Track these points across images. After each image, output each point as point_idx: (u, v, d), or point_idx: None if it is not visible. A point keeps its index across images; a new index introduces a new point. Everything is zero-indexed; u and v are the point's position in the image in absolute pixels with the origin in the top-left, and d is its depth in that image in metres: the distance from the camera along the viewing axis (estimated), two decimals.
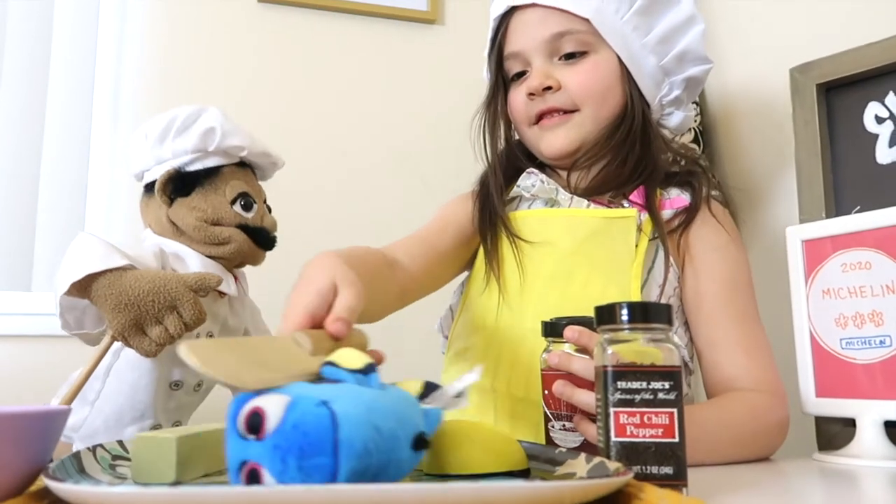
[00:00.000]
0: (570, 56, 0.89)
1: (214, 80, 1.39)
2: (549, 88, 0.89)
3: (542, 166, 0.95)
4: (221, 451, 0.57)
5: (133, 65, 1.36)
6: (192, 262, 0.82)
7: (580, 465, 0.51)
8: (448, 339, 0.92)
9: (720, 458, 0.72)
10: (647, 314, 0.52)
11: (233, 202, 0.84)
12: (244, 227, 0.84)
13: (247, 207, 0.85)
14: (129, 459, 0.57)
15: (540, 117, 0.91)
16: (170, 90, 1.36)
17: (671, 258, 0.84)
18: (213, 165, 0.84)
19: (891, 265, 0.77)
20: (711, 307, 0.83)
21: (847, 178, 0.91)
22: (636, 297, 0.81)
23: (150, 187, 0.86)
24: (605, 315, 0.53)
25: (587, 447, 0.64)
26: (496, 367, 0.83)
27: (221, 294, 0.85)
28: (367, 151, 1.44)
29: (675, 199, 0.89)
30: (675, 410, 0.50)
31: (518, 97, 0.92)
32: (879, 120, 0.89)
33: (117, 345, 0.76)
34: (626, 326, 0.52)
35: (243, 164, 0.88)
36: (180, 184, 0.83)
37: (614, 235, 0.84)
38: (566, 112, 0.89)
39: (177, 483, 0.48)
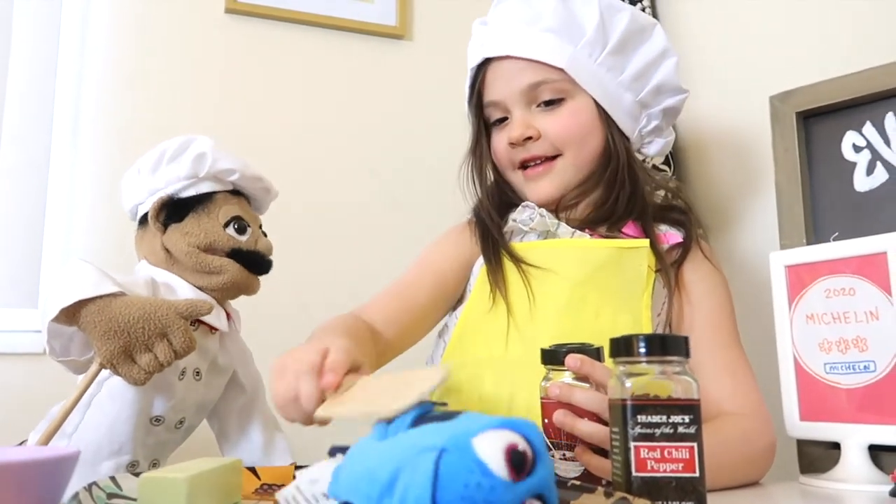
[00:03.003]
0: (548, 103, 0.91)
1: (180, 91, 1.35)
2: (529, 139, 0.91)
3: None
4: (227, 488, 0.55)
5: (96, 76, 1.31)
6: (184, 293, 0.80)
7: (599, 500, 0.50)
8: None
9: (714, 484, 0.72)
10: (665, 346, 0.52)
11: (226, 225, 0.83)
12: (237, 252, 0.83)
13: (241, 231, 0.84)
14: (124, 497, 0.54)
15: (524, 164, 0.93)
16: (135, 100, 1.32)
17: (666, 289, 0.87)
18: (206, 192, 0.83)
19: (874, 292, 0.78)
20: (699, 335, 0.85)
21: (825, 205, 0.93)
22: (648, 326, 0.82)
23: (143, 220, 0.85)
24: (622, 347, 0.53)
25: (587, 477, 0.64)
26: (511, 398, 0.81)
27: (213, 329, 0.83)
28: (335, 165, 1.42)
29: (668, 234, 0.92)
30: (695, 445, 0.50)
31: (501, 143, 0.94)
32: (857, 149, 0.91)
33: (102, 375, 0.73)
34: (644, 359, 0.52)
35: (237, 193, 0.87)
36: (173, 210, 0.82)
37: (625, 265, 0.86)
38: (548, 159, 0.92)
39: None
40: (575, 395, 0.63)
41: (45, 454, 0.39)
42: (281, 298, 1.29)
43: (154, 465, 0.82)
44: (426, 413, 0.43)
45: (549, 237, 0.91)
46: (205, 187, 0.84)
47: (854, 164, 0.91)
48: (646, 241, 0.87)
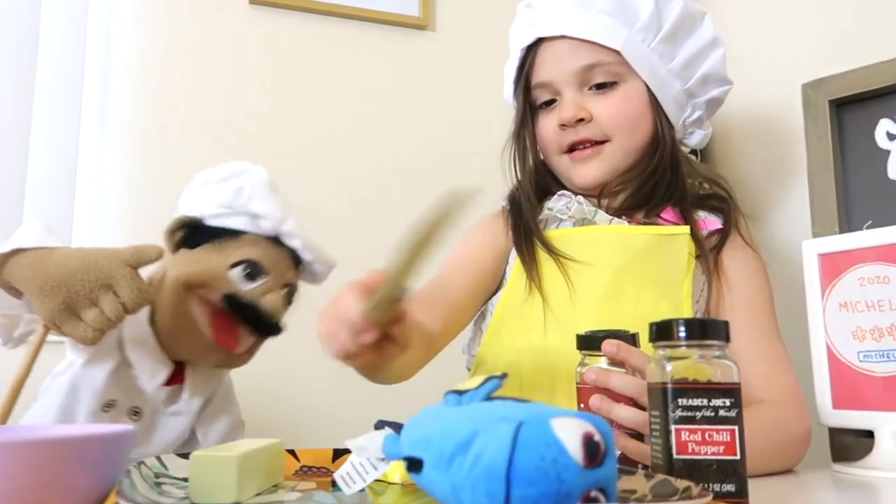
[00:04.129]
0: (599, 86, 0.90)
1: (205, 82, 1.36)
2: (581, 120, 0.89)
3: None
4: (271, 469, 0.56)
5: (122, 68, 1.33)
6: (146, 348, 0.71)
7: (639, 482, 0.50)
8: (476, 358, 0.91)
9: (748, 470, 0.72)
10: (705, 331, 0.52)
11: (233, 266, 0.72)
12: (230, 298, 0.72)
13: (250, 277, 0.73)
14: (170, 477, 0.55)
15: (571, 148, 0.91)
16: (160, 93, 1.33)
17: (705, 275, 0.86)
18: (234, 228, 0.74)
19: None
20: (738, 321, 0.84)
21: (858, 194, 0.92)
22: (688, 313, 0.82)
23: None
24: (662, 331, 0.53)
25: (624, 462, 0.64)
26: (552, 384, 0.82)
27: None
28: (358, 156, 1.43)
29: (707, 220, 0.91)
30: (735, 428, 0.50)
31: (548, 126, 0.93)
32: (891, 136, 0.91)
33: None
34: (684, 343, 0.52)
35: (279, 244, 0.76)
36: (192, 234, 0.74)
37: (666, 252, 0.86)
38: (597, 143, 0.90)
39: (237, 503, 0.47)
40: (612, 380, 0.64)
41: (107, 430, 0.40)
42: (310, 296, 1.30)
43: None
44: (496, 389, 0.44)
45: (585, 224, 0.90)
46: (235, 223, 0.75)
47: (888, 152, 0.91)
48: (686, 228, 0.87)
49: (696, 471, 0.49)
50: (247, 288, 0.71)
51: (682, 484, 0.46)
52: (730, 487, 0.49)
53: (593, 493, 0.37)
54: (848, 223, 0.92)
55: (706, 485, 0.49)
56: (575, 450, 0.36)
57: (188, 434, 0.79)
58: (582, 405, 0.67)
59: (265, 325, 0.74)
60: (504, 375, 0.45)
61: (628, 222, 0.90)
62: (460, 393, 0.45)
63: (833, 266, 0.84)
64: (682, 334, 0.52)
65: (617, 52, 0.88)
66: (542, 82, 0.93)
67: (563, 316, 0.84)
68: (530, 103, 0.95)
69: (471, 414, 0.41)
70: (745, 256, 0.90)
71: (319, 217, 1.35)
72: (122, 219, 1.29)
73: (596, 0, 0.89)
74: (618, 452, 0.65)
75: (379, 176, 1.43)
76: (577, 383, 0.68)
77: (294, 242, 0.78)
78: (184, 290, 0.71)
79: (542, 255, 0.89)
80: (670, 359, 0.52)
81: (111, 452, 0.40)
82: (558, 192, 0.93)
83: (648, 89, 0.90)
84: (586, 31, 0.88)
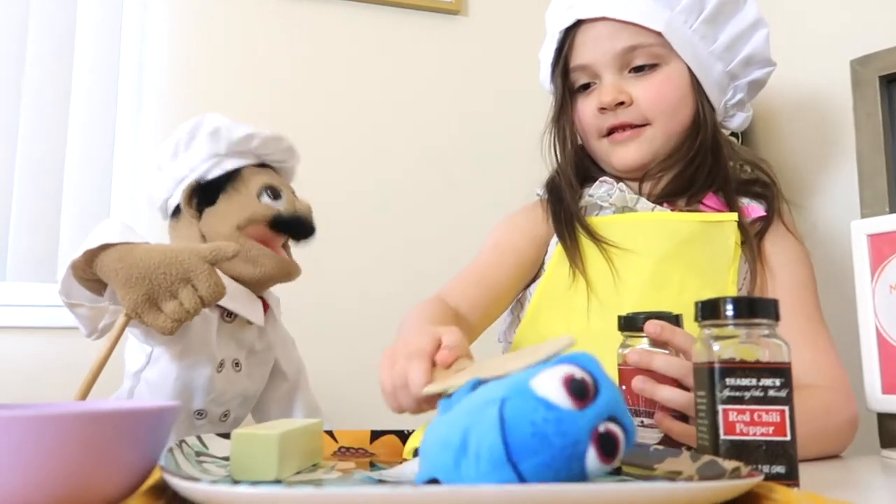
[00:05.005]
0: (639, 69, 0.88)
1: (238, 72, 1.37)
2: (621, 104, 0.88)
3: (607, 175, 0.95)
4: (310, 449, 0.56)
5: (157, 57, 1.33)
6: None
7: (685, 463, 0.49)
8: (513, 344, 0.90)
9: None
10: (753, 309, 0.51)
11: (259, 195, 0.81)
12: (279, 219, 0.81)
13: (275, 196, 0.82)
14: (211, 456, 0.56)
15: (610, 131, 0.90)
16: (193, 82, 1.34)
17: (748, 263, 0.85)
18: (232, 168, 0.82)
19: None
20: (783, 308, 0.83)
21: None
22: None
23: (175, 213, 0.83)
24: (709, 310, 0.52)
25: (666, 444, 0.63)
26: None
27: (249, 322, 0.82)
28: (393, 144, 1.42)
29: (750, 207, 0.89)
30: (786, 408, 0.49)
31: (588, 110, 0.91)
32: None
33: (139, 366, 0.72)
34: (731, 322, 0.51)
35: (263, 165, 0.86)
36: (204, 194, 0.81)
37: (712, 239, 0.84)
38: (637, 126, 0.89)
39: (277, 481, 0.47)
40: (655, 360, 0.62)
41: (152, 405, 0.40)
42: (339, 286, 1.31)
43: None
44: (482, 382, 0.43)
45: (626, 212, 0.89)
46: (229, 164, 0.82)
47: None
48: (734, 215, 0.85)
49: (745, 452, 0.48)
50: (279, 206, 0.82)
51: (730, 465, 0.45)
52: (780, 469, 0.48)
53: (602, 429, 0.36)
54: None
55: (755, 466, 0.48)
56: (560, 398, 0.36)
57: (272, 363, 0.88)
58: (623, 387, 0.66)
59: (308, 229, 0.85)
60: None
61: (671, 209, 0.88)
62: (448, 396, 0.44)
63: (883, 247, 0.81)
64: (730, 313, 0.51)
65: (658, 34, 0.86)
66: (581, 65, 0.91)
67: (608, 301, 0.83)
68: (568, 87, 0.94)
69: (458, 413, 0.40)
70: (787, 244, 0.88)
71: (354, 206, 1.36)
72: (158, 214, 1.30)
73: None
74: (660, 435, 0.64)
75: (413, 164, 1.43)
76: (619, 365, 0.67)
77: (275, 147, 0.86)
78: (239, 235, 0.79)
79: (585, 242, 0.87)
80: (717, 338, 0.51)
81: (157, 427, 0.40)
82: (599, 179, 0.92)
83: (690, 72, 0.88)
84: (627, 12, 0.87)
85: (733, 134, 1.17)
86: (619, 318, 0.68)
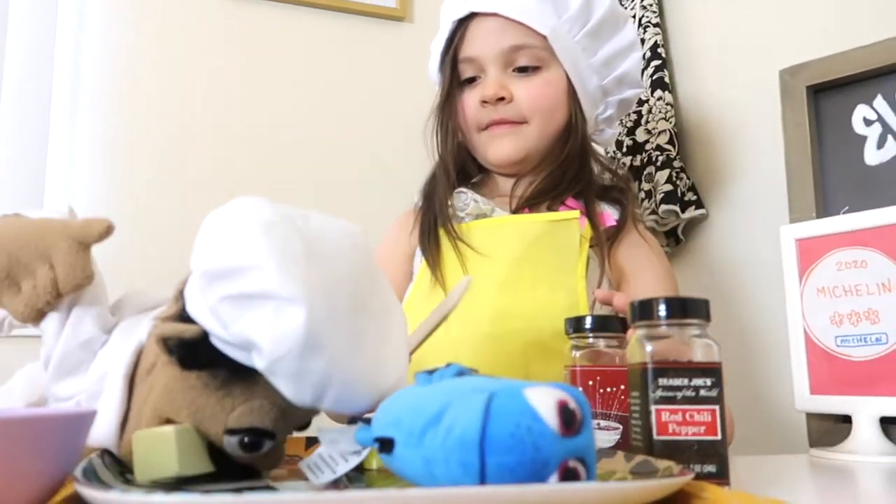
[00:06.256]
0: (523, 69, 0.92)
1: (177, 73, 1.34)
2: (502, 99, 0.91)
3: (485, 172, 0.99)
4: None
5: (93, 59, 1.30)
6: None
7: (619, 463, 0.49)
8: None
9: None
10: (685, 310, 0.51)
11: (231, 433, 0.44)
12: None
13: (251, 448, 0.44)
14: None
15: (489, 125, 0.93)
16: (132, 83, 1.30)
17: (600, 267, 0.88)
18: (239, 363, 0.48)
19: (887, 264, 0.78)
20: None
21: (835, 179, 0.92)
22: (583, 297, 0.83)
23: None
24: (642, 310, 0.52)
25: (622, 447, 0.63)
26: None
27: None
28: (334, 148, 1.41)
29: (606, 213, 0.93)
30: (717, 408, 0.49)
31: (471, 102, 0.94)
32: (868, 122, 0.91)
33: None
34: (664, 322, 0.51)
35: None
36: (188, 352, 0.50)
37: (559, 237, 0.87)
38: (515, 123, 0.92)
39: (179, 476, 0.44)
40: (616, 297, 0.71)
41: (63, 412, 0.38)
42: None
43: None
44: (465, 373, 0.43)
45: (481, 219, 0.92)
46: (238, 356, 0.57)
47: (864, 138, 0.91)
48: (576, 213, 0.88)
49: (678, 451, 0.48)
50: (241, 457, 0.47)
51: (662, 464, 0.45)
52: (711, 468, 0.48)
53: (571, 464, 0.36)
54: (825, 209, 0.92)
55: (686, 465, 0.48)
56: (550, 417, 0.35)
57: None
58: (581, 389, 0.66)
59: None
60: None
61: (530, 213, 0.91)
62: (430, 372, 0.44)
63: (810, 251, 0.84)
64: (662, 314, 0.51)
65: (544, 38, 0.90)
66: (469, 57, 0.94)
67: (463, 306, 0.83)
68: (456, 78, 0.96)
69: (441, 389, 0.40)
70: (640, 251, 0.92)
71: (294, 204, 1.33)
72: (91, 211, 1.26)
73: None
74: (615, 438, 0.64)
75: (357, 168, 1.42)
76: (568, 367, 0.67)
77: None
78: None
79: (445, 250, 0.90)
80: (650, 338, 0.51)
81: (69, 435, 0.38)
82: (457, 190, 0.95)
83: (568, 79, 0.92)
84: (518, 11, 0.90)
85: (670, 142, 1.19)
86: (567, 320, 0.67)
